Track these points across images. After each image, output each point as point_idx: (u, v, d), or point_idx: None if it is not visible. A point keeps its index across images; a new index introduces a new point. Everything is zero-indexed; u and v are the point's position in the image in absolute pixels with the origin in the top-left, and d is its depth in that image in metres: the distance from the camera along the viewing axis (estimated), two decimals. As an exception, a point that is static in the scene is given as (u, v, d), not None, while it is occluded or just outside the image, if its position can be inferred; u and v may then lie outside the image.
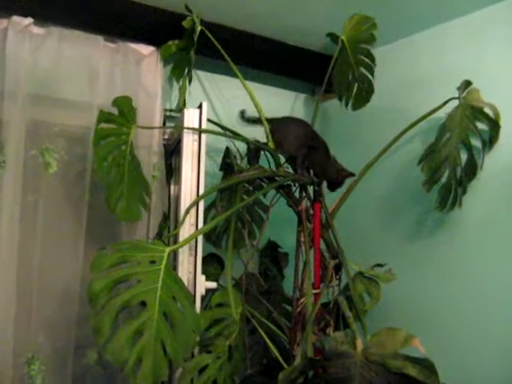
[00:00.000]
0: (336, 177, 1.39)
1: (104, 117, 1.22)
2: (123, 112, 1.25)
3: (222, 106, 1.73)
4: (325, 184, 1.42)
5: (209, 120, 1.40)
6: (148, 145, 1.45)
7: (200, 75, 1.71)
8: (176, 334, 1.12)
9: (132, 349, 1.07)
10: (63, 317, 1.40)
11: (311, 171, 1.40)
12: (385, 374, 1.01)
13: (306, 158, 1.37)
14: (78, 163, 1.38)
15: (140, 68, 1.48)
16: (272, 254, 1.65)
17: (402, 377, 0.99)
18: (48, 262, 1.37)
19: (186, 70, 1.45)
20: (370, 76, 1.43)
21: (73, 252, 1.41)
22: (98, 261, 1.11)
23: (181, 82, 1.49)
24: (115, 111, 1.26)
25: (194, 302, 1.32)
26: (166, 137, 1.54)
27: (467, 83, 1.38)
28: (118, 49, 1.45)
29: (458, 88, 1.38)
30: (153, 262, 1.14)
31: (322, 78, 1.48)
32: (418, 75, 1.61)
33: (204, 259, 1.48)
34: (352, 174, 1.40)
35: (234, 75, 1.46)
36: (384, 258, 1.41)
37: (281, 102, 1.85)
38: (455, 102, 1.39)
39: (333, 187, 1.41)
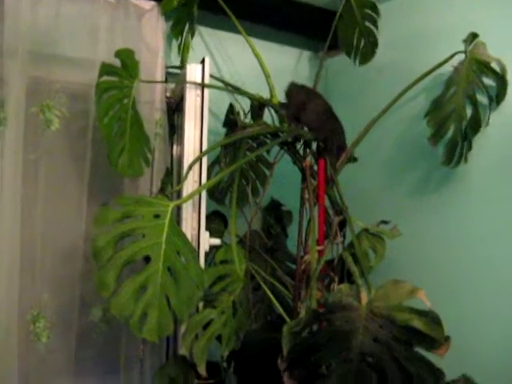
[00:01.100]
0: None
1: (106, 69, 1.19)
2: (126, 65, 1.22)
3: (225, 62, 1.70)
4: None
5: (211, 76, 1.37)
6: (150, 100, 1.42)
7: (202, 31, 1.68)
8: (180, 289, 1.12)
9: (137, 303, 1.07)
10: (67, 274, 1.41)
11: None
12: (390, 327, 1.01)
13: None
14: (80, 120, 1.36)
15: (141, 23, 1.44)
16: (275, 212, 1.64)
17: (406, 329, 0.99)
18: (51, 219, 1.37)
19: (188, 26, 1.41)
20: (374, 29, 1.39)
21: (76, 209, 1.40)
22: (101, 215, 1.10)
23: (183, 38, 1.45)
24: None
25: (198, 257, 1.34)
26: (169, 94, 1.51)
27: (473, 36, 1.34)
28: (119, 4, 1.42)
29: (464, 41, 1.34)
30: (157, 216, 1.13)
31: (327, 34, 1.44)
32: (425, 30, 1.57)
33: (207, 217, 1.48)
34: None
35: (238, 31, 1.43)
36: (389, 214, 1.40)
37: (285, 59, 1.82)
38: (462, 56, 1.36)
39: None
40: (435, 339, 0.98)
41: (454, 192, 1.45)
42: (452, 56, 1.36)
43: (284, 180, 1.52)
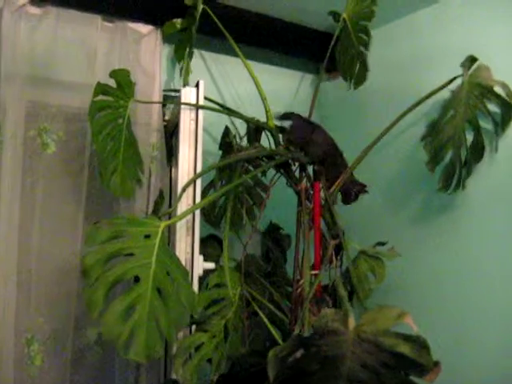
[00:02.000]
0: (350, 189, 1.37)
1: (101, 89, 1.20)
2: (120, 85, 1.24)
3: (227, 86, 1.71)
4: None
5: (209, 99, 1.39)
6: (147, 123, 1.43)
7: (204, 55, 1.69)
8: (169, 310, 1.10)
9: (125, 323, 1.06)
10: (62, 297, 1.40)
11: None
12: (377, 352, 0.98)
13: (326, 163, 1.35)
14: (76, 143, 1.38)
15: (139, 47, 1.46)
16: (274, 236, 1.62)
17: (394, 355, 0.97)
18: (48, 242, 1.37)
19: (188, 49, 1.44)
20: (366, 53, 1.40)
21: (72, 231, 1.40)
22: (92, 234, 1.10)
23: (183, 62, 1.48)
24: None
25: (192, 280, 1.33)
26: (167, 118, 1.52)
27: (472, 59, 1.33)
28: (116, 28, 1.44)
29: (462, 65, 1.33)
30: (147, 236, 1.13)
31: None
32: (422, 54, 1.57)
33: (204, 240, 1.48)
34: (364, 187, 1.37)
35: (238, 55, 1.45)
36: (388, 238, 1.38)
37: (287, 82, 1.82)
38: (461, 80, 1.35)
39: (347, 200, 1.39)
40: (423, 365, 0.95)
41: (453, 218, 1.43)
42: (452, 80, 1.35)
43: (283, 204, 1.51)
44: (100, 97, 1.22)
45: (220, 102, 1.52)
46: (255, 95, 1.45)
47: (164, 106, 1.49)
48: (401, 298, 1.53)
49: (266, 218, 1.60)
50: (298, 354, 1.03)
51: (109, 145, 1.24)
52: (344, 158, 1.36)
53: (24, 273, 1.34)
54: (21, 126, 1.33)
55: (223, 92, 1.69)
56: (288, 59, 1.79)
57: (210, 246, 1.50)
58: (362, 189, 1.38)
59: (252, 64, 1.45)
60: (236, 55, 1.45)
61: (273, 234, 1.62)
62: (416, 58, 1.59)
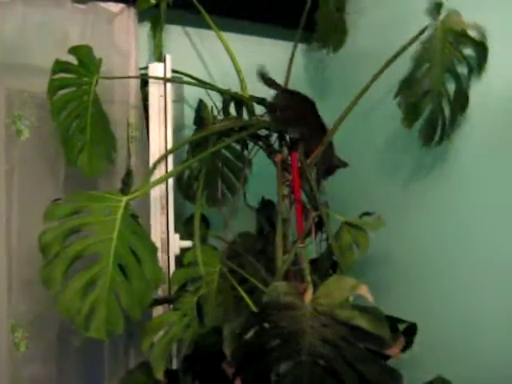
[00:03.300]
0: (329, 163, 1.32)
1: (60, 66, 1.18)
2: (82, 61, 1.22)
3: (207, 60, 1.66)
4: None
5: (180, 72, 1.36)
6: (124, 101, 1.40)
7: (186, 31, 1.65)
8: (132, 287, 1.07)
9: (84, 300, 1.03)
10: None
11: None
12: (334, 326, 0.91)
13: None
14: (49, 128, 1.34)
15: (112, 27, 1.43)
16: (266, 212, 1.56)
17: (351, 328, 0.90)
18: (28, 228, 1.34)
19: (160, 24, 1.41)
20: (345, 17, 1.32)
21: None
22: (50, 211, 1.08)
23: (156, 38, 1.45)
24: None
25: (167, 258, 1.30)
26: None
27: (437, 4, 1.23)
28: (88, 9, 1.41)
29: (430, 13, 1.24)
30: (109, 212, 1.11)
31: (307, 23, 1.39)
32: (402, 14, 1.48)
33: (188, 220, 1.45)
34: (345, 164, 1.31)
35: (221, 29, 1.41)
36: (378, 207, 1.30)
37: (267, 52, 1.72)
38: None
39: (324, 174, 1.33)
40: (381, 337, 0.87)
41: (445, 176, 1.33)
42: (423, 30, 1.25)
43: (272, 178, 1.45)
44: (61, 75, 1.20)
45: (202, 77, 1.47)
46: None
47: (146, 85, 1.46)
48: (391, 268, 1.46)
49: (258, 194, 1.54)
50: (254, 330, 0.98)
51: (74, 123, 1.22)
52: (324, 127, 1.28)
53: (4, 262, 1.33)
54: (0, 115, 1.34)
55: (207, 67, 1.65)
56: (266, 28, 1.71)
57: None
58: (341, 164, 1.31)
59: (231, 36, 1.42)
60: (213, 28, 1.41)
61: (265, 210, 1.56)
62: (397, 19, 1.49)
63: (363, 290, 0.89)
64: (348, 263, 1.22)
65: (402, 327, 1.00)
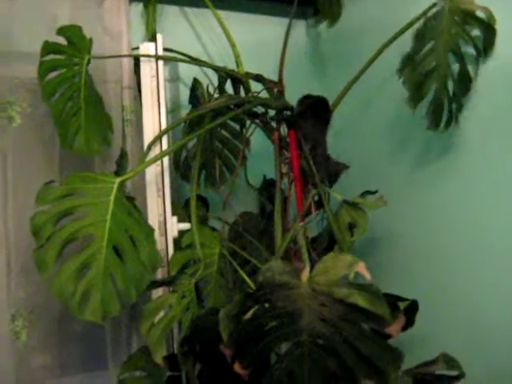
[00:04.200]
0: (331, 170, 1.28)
1: (50, 48, 1.15)
2: (72, 42, 1.18)
3: (203, 40, 1.63)
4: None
5: (171, 50, 1.33)
6: (117, 81, 1.38)
7: (183, 10, 1.61)
8: (127, 269, 1.05)
9: (78, 283, 1.01)
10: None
11: None
12: (332, 304, 0.89)
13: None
14: (41, 112, 1.33)
15: (102, 9, 1.40)
16: (268, 192, 1.53)
17: (348, 306, 0.87)
18: (24, 214, 1.32)
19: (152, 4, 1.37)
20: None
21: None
22: (43, 193, 1.06)
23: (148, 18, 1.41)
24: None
25: (165, 240, 1.27)
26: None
27: None
28: None
29: None
30: (102, 193, 1.08)
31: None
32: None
33: (187, 202, 1.42)
34: (346, 167, 1.27)
35: (216, 7, 1.37)
36: (383, 186, 1.26)
37: (272, 30, 1.68)
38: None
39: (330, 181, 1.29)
40: (379, 316, 0.84)
41: (450, 157, 1.27)
42: (431, 7, 1.18)
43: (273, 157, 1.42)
44: (51, 56, 1.17)
45: (199, 56, 1.44)
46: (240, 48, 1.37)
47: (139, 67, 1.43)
48: (395, 249, 1.41)
49: (259, 173, 1.51)
50: (251, 311, 0.95)
51: (67, 105, 1.19)
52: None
53: (3, 247, 1.32)
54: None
55: (203, 46, 1.61)
56: (263, 5, 1.66)
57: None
58: (342, 168, 1.27)
59: (227, 14, 1.38)
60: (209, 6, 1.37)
61: (267, 189, 1.53)
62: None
63: (360, 268, 0.85)
64: (346, 243, 1.18)
65: (403, 305, 0.96)
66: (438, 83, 1.17)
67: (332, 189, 1.28)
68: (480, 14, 1.15)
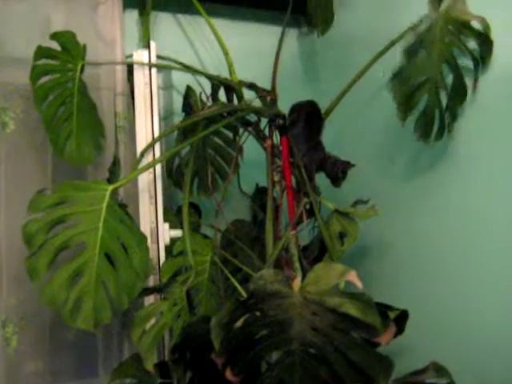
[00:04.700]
0: (333, 171, 1.27)
1: (43, 52, 1.16)
2: (66, 47, 1.19)
3: (197, 48, 1.64)
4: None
5: (165, 58, 1.34)
6: (110, 89, 1.38)
7: (177, 18, 1.62)
8: (120, 276, 1.05)
9: (70, 290, 1.02)
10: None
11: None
12: (323, 313, 0.89)
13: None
14: (34, 118, 1.31)
15: (96, 16, 1.40)
16: (260, 199, 1.53)
17: (340, 315, 0.87)
18: (16, 221, 1.31)
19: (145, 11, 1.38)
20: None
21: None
22: (35, 202, 1.06)
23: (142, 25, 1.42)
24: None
25: (157, 248, 1.27)
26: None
27: None
28: None
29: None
30: (94, 201, 1.08)
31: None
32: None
33: (179, 209, 1.43)
34: (351, 165, 1.27)
35: (210, 15, 1.38)
36: (376, 196, 1.28)
37: (265, 38, 1.68)
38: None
39: (335, 182, 1.29)
40: (370, 325, 0.84)
41: (443, 167, 1.27)
42: (424, 17, 1.18)
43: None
44: (43, 61, 1.18)
45: (192, 64, 1.44)
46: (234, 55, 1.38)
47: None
48: (392, 262, 1.41)
49: (252, 181, 1.51)
50: (242, 320, 0.95)
51: (59, 110, 1.20)
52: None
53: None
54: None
55: (197, 54, 1.61)
56: (256, 13, 1.68)
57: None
58: (346, 165, 1.26)
59: (221, 22, 1.39)
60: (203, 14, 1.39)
61: (259, 197, 1.53)
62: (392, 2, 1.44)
63: (352, 276, 0.86)
64: (337, 252, 1.19)
65: (393, 314, 0.97)
66: (429, 94, 1.17)
67: (323, 197, 1.29)
68: (475, 23, 1.14)
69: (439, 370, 0.99)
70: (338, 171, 1.25)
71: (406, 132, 1.27)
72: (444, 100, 1.19)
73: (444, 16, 1.17)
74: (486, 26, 1.14)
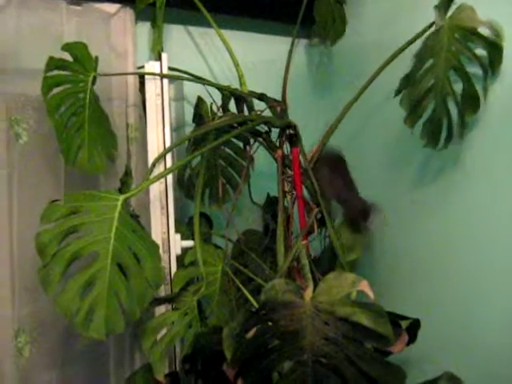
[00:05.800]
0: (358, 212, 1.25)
1: (55, 63, 1.17)
2: (78, 59, 1.20)
3: (208, 59, 1.65)
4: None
5: (176, 69, 1.35)
6: (122, 100, 1.40)
7: (192, 31, 1.65)
8: (132, 286, 1.05)
9: (83, 300, 1.02)
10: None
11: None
12: (335, 323, 0.89)
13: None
14: (46, 129, 1.32)
15: (108, 28, 1.42)
16: (272, 209, 1.53)
17: (352, 325, 0.87)
18: (29, 231, 1.31)
19: (157, 23, 1.39)
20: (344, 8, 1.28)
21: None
22: (48, 212, 1.07)
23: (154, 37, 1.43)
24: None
25: (168, 258, 1.27)
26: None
27: (448, 1, 1.16)
28: (83, 11, 1.40)
29: (437, 7, 1.16)
30: (106, 211, 1.09)
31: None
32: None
33: (190, 219, 1.43)
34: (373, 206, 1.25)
35: (220, 27, 1.40)
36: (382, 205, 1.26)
37: (275, 49, 1.66)
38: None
39: (356, 227, 1.27)
40: (382, 335, 0.84)
41: (452, 175, 1.27)
42: (431, 25, 1.19)
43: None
44: (55, 72, 1.19)
45: (203, 76, 1.46)
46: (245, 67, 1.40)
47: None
48: (400, 270, 1.41)
49: (263, 191, 1.52)
50: (254, 330, 0.95)
51: (70, 121, 1.21)
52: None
53: (8, 263, 1.31)
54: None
55: (208, 65, 1.63)
56: (266, 24, 1.69)
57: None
58: (370, 208, 1.23)
59: (231, 34, 1.41)
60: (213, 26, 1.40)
61: (271, 207, 1.53)
62: (401, 11, 1.45)
63: (363, 286, 0.86)
64: (349, 262, 1.18)
65: (405, 324, 0.96)
66: (436, 101, 1.17)
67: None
68: (485, 30, 1.14)
69: (453, 379, 0.98)
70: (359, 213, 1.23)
71: (417, 139, 1.28)
72: (452, 107, 1.19)
73: (450, 23, 1.16)
74: (496, 32, 1.14)
